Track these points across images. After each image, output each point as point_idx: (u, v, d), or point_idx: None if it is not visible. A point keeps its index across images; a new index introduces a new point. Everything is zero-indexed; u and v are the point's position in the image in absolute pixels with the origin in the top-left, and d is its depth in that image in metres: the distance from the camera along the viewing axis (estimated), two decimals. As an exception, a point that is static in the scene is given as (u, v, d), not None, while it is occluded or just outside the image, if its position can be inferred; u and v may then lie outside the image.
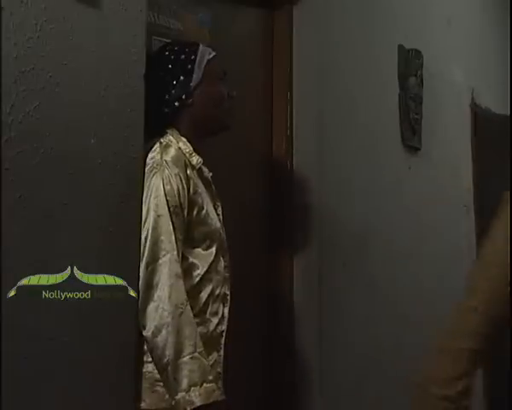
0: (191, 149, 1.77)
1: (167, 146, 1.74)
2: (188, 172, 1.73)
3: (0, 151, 1.37)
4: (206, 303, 1.73)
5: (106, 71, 1.61)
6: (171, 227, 1.64)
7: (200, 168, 1.78)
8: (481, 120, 3.72)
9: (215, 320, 1.75)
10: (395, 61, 3.05)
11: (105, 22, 1.61)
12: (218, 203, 1.85)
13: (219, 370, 1.74)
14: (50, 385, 1.44)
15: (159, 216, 1.64)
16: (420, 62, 3.14)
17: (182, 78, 1.78)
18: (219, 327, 1.76)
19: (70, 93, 1.52)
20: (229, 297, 1.80)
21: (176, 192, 1.66)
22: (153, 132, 1.76)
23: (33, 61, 1.45)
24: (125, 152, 1.64)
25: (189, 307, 1.61)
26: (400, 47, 3.07)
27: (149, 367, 1.64)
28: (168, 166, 1.68)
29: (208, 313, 1.73)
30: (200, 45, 1.84)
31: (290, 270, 2.43)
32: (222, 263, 1.79)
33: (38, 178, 1.44)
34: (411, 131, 3.07)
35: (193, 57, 1.80)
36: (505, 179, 3.56)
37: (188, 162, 1.75)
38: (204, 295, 1.73)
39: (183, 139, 1.78)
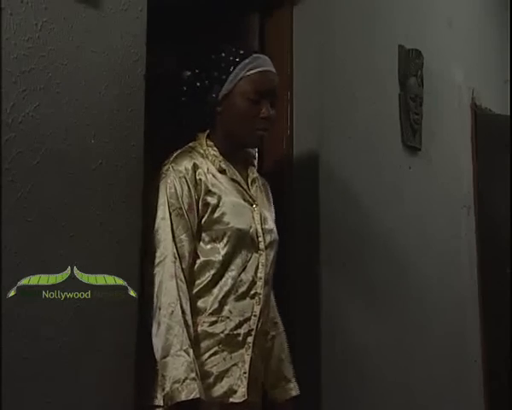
0: (216, 152, 1.84)
1: (184, 151, 1.82)
2: (199, 174, 1.77)
3: (0, 151, 1.37)
4: (223, 301, 1.75)
5: (106, 71, 1.61)
6: (171, 229, 1.70)
7: (224, 170, 1.83)
8: (481, 120, 3.72)
9: (237, 319, 1.76)
10: (395, 61, 3.04)
11: (105, 22, 1.61)
12: (257, 203, 1.88)
13: (245, 370, 1.75)
14: (50, 385, 1.44)
15: (161, 219, 1.71)
16: (420, 62, 3.14)
17: (216, 85, 1.83)
18: (245, 326, 1.77)
19: (70, 93, 1.52)
20: (261, 296, 1.80)
21: (180, 194, 1.73)
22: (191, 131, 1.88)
23: (33, 61, 1.45)
24: (125, 152, 1.64)
25: (179, 307, 1.65)
26: (400, 47, 3.06)
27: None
28: (173, 171, 1.75)
29: (227, 310, 1.75)
30: (248, 58, 1.83)
31: (290, 270, 2.43)
32: (253, 263, 1.80)
33: (38, 178, 1.44)
34: (411, 131, 3.07)
35: (231, 69, 1.82)
36: (505, 179, 3.57)
37: (205, 165, 1.80)
38: (219, 292, 1.75)
39: (210, 143, 1.86)
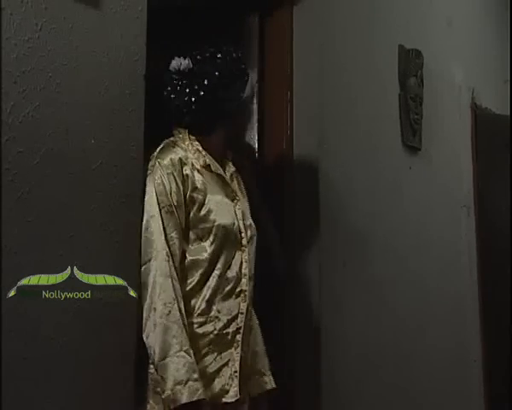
0: (198, 147, 1.81)
1: (167, 146, 1.78)
2: (185, 170, 1.74)
3: (0, 151, 1.37)
4: (210, 301, 1.74)
5: (106, 71, 1.61)
6: (162, 227, 1.67)
7: (208, 166, 1.80)
8: (481, 120, 3.72)
9: (225, 318, 1.75)
10: (395, 61, 3.04)
11: (105, 22, 1.61)
12: (238, 198, 1.86)
13: (235, 369, 1.75)
14: (50, 385, 1.44)
15: (151, 217, 1.68)
16: (420, 62, 3.14)
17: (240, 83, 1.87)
18: (233, 324, 1.76)
19: (70, 93, 1.52)
20: (247, 294, 1.79)
21: (168, 191, 1.70)
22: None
23: (33, 61, 1.45)
24: (125, 152, 1.64)
25: (176, 306, 1.62)
26: (400, 47, 3.06)
27: (152, 368, 1.65)
28: (160, 167, 1.71)
29: (215, 310, 1.74)
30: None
31: (290, 270, 2.43)
32: (237, 260, 1.79)
33: (38, 178, 1.44)
34: (411, 131, 3.07)
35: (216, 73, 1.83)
36: (505, 179, 3.57)
37: (190, 161, 1.77)
38: (206, 292, 1.74)
39: (193, 137, 1.82)
